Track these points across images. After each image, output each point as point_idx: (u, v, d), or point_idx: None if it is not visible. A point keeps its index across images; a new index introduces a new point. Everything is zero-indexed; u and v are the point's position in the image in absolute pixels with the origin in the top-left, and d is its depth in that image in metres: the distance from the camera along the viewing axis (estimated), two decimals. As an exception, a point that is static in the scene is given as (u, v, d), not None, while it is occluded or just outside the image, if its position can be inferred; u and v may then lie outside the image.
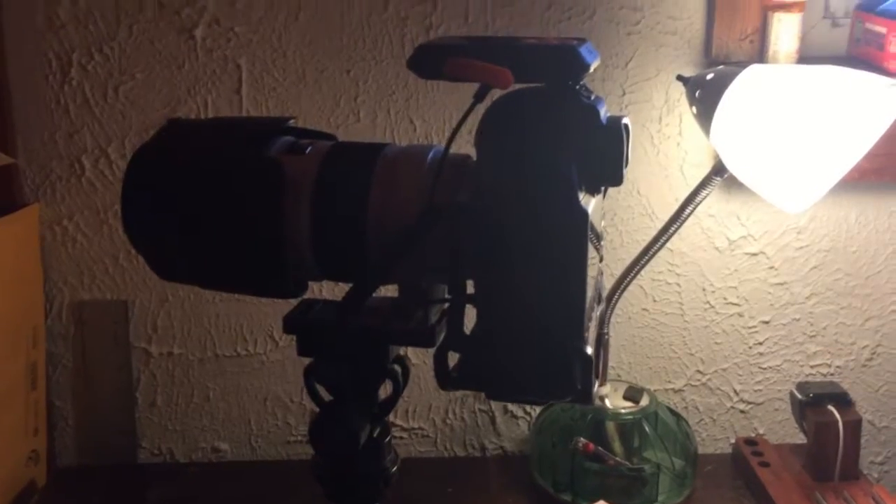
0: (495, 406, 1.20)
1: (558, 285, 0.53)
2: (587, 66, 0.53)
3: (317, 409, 0.64)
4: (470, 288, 0.57)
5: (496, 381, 0.56)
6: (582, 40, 0.55)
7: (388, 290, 0.64)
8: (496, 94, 0.56)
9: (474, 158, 0.57)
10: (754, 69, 0.93)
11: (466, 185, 0.56)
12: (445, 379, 0.57)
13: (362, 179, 0.57)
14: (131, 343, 1.15)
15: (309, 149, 0.59)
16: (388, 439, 0.66)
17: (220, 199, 0.57)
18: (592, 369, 0.55)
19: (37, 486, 1.09)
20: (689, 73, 1.06)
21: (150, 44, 1.06)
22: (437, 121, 1.09)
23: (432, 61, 0.55)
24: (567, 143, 0.53)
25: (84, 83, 1.06)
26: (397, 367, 0.65)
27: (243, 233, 0.57)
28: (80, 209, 1.10)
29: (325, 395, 0.65)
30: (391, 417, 1.19)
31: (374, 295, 0.61)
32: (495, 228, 0.53)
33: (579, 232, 0.52)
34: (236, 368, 1.17)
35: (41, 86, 1.06)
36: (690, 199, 0.99)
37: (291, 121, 0.61)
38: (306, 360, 0.65)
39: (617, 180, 0.54)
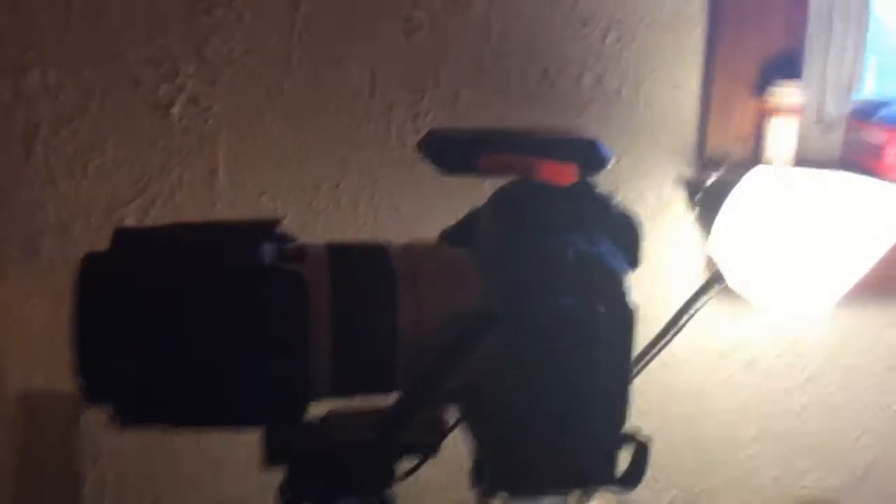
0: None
1: (603, 379, 0.52)
2: (608, 159, 0.54)
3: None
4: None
5: (533, 478, 0.54)
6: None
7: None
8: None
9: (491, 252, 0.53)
10: (760, 172, 0.90)
11: (504, 286, 0.52)
12: (490, 488, 0.54)
13: (387, 285, 0.52)
14: (81, 439, 1.06)
15: (306, 254, 0.53)
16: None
17: (224, 320, 0.49)
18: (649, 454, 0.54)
19: None
20: (682, 173, 1.03)
21: (123, 119, 1.00)
22: (421, 211, 1.04)
23: (463, 155, 0.52)
24: (601, 232, 0.54)
25: (50, 157, 1.00)
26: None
27: (258, 354, 0.49)
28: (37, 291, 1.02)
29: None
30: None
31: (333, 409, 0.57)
32: (542, 328, 0.50)
33: (628, 328, 0.51)
34: (192, 466, 1.09)
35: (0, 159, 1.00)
36: (687, 308, 0.95)
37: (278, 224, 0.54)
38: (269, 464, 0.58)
39: (637, 262, 0.55)
